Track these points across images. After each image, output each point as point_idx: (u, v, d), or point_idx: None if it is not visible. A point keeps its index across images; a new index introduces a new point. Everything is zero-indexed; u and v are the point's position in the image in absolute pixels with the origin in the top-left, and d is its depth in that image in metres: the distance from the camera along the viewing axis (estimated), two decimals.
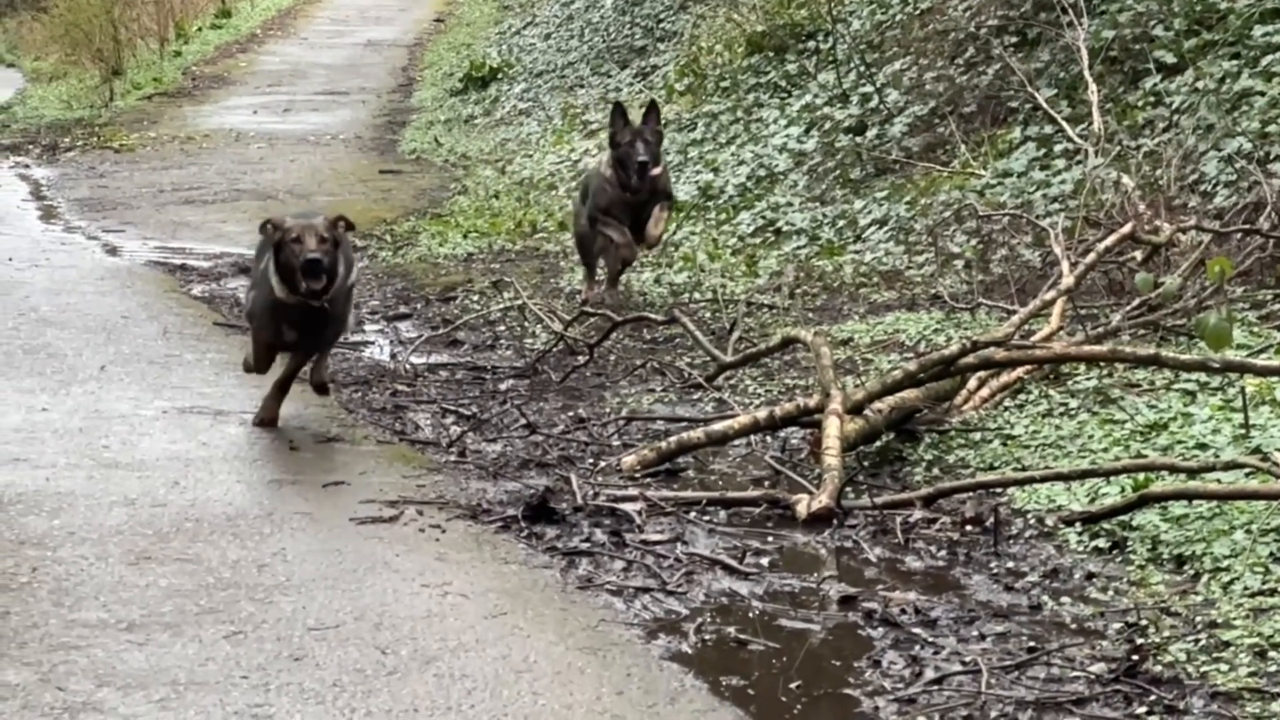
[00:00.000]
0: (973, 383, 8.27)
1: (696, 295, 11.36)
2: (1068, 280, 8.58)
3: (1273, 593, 5.81)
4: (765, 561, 6.58)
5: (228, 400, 8.79)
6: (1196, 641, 5.56)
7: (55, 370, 9.32)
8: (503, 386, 9.44)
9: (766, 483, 7.60)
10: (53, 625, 5.66)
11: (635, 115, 11.69)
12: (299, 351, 8.37)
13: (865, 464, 7.70)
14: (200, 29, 32.39)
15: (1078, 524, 6.69)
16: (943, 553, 6.65)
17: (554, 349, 10.05)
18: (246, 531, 6.69)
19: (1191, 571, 6.15)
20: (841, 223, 12.54)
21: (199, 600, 5.93)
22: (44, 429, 8.12)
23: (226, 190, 17.16)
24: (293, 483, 7.39)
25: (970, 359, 7.89)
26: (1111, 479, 6.93)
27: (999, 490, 7.15)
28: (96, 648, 5.48)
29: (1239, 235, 9.18)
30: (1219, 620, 5.71)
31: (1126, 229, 9.11)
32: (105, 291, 11.76)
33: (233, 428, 8.28)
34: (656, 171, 11.20)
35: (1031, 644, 5.67)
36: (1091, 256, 8.88)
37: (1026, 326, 8.46)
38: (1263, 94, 10.37)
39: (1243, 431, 7.02)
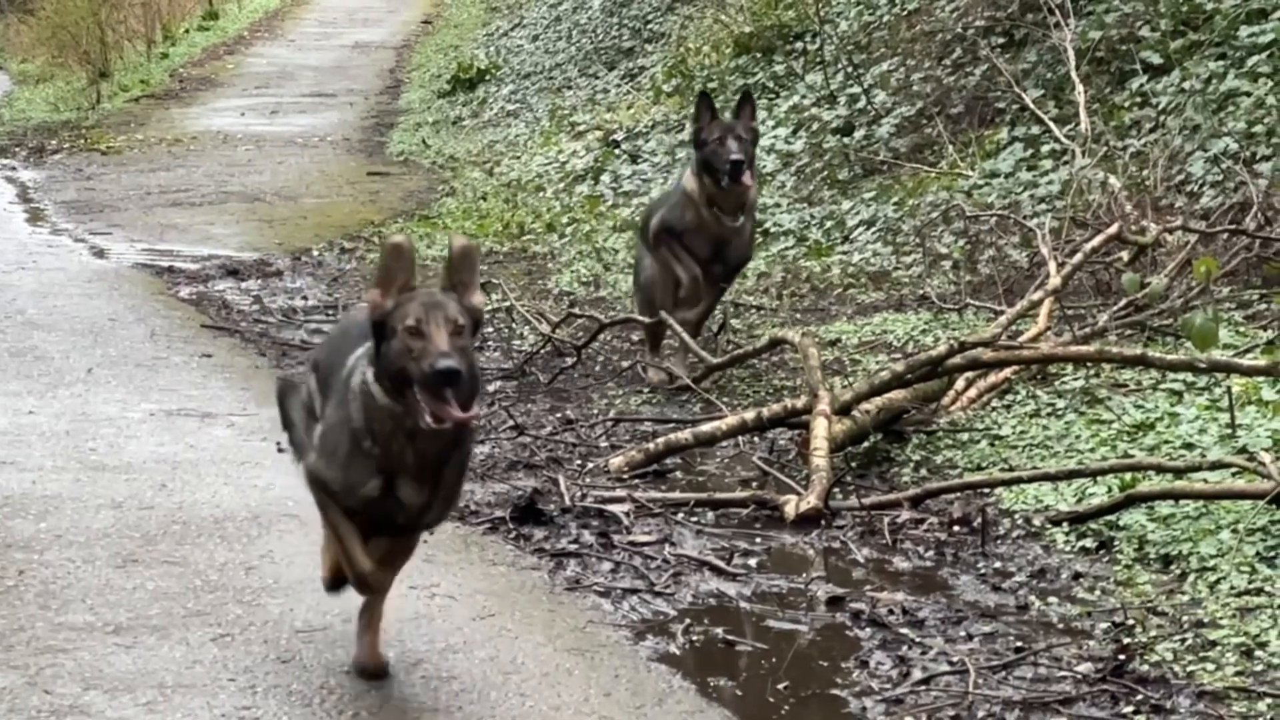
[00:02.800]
0: (960, 383, 8.28)
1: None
2: (1055, 281, 8.60)
3: (1259, 592, 5.83)
4: (753, 562, 6.59)
5: (215, 402, 8.78)
6: (1183, 641, 5.57)
7: (42, 373, 9.30)
8: (491, 388, 9.43)
9: (754, 484, 7.60)
10: (40, 628, 5.65)
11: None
12: (395, 518, 5.15)
13: (853, 465, 7.71)
14: (187, 31, 32.38)
15: (1065, 524, 6.70)
16: (930, 553, 6.65)
17: (542, 350, 10.05)
18: (234, 534, 6.68)
19: (1178, 571, 6.16)
20: (829, 223, 12.55)
21: (186, 603, 5.92)
22: (31, 432, 8.10)
23: (214, 192, 17.15)
24: (280, 485, 7.36)
25: (958, 359, 7.90)
26: (1098, 479, 6.94)
27: (986, 491, 7.16)
28: (83, 651, 5.48)
29: (1225, 235, 9.19)
30: (1205, 619, 5.72)
31: (1113, 229, 9.12)
32: (92, 294, 11.74)
33: (220, 430, 8.27)
34: (750, 183, 9.24)
35: (1019, 644, 5.68)
36: (1078, 257, 8.89)
37: (1014, 327, 8.47)
38: (1249, 94, 10.39)
39: (1229, 431, 7.04)
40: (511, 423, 8.47)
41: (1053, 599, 6.08)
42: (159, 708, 5.08)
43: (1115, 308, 8.83)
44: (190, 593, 6.02)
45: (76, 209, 16.16)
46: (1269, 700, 5.12)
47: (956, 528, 6.85)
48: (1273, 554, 6.05)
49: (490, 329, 10.89)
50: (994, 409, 8.11)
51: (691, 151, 9.53)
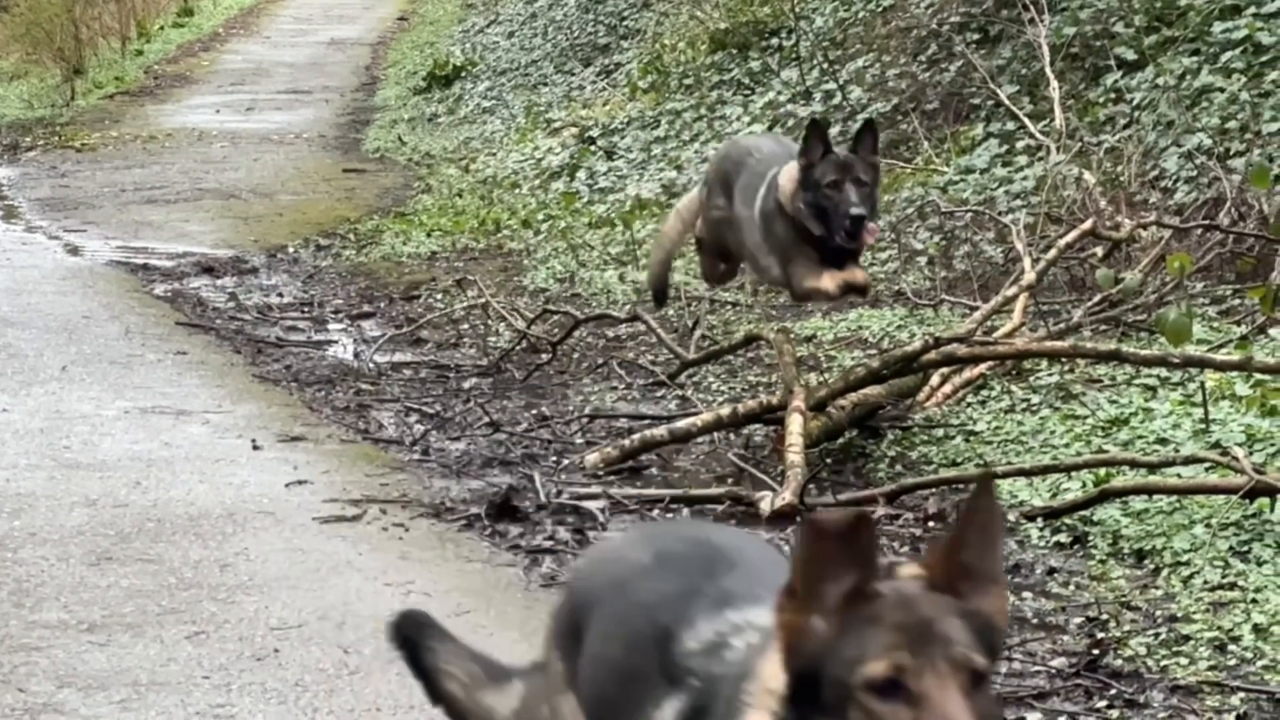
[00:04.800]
0: (935, 379, 8.28)
1: None
2: (1029, 276, 8.61)
3: (1232, 586, 5.84)
4: None
5: (190, 400, 8.76)
6: (1156, 635, 5.59)
7: (16, 371, 9.28)
8: (466, 385, 9.43)
9: (730, 480, 7.60)
10: (13, 627, 5.64)
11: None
12: None
13: (828, 461, 7.71)
14: (162, 27, 32.27)
15: (1039, 519, 6.71)
16: (905, 549, 6.65)
17: (517, 347, 10.04)
18: (209, 531, 6.67)
19: (1152, 566, 6.18)
20: None
21: (161, 601, 5.92)
22: (4, 430, 8.08)
23: (189, 189, 17.10)
24: (255, 482, 7.37)
25: (933, 355, 7.90)
26: (1073, 474, 6.95)
27: (961, 486, 7.16)
28: (57, 649, 5.47)
29: (1199, 231, 9.22)
30: (1179, 614, 5.73)
31: (1087, 225, 9.14)
32: (67, 291, 11.72)
33: (195, 427, 8.26)
34: (870, 240, 7.84)
35: None
36: (1053, 252, 8.91)
37: (989, 322, 8.48)
38: (1222, 90, 10.42)
39: (1203, 426, 7.06)
40: (487, 419, 8.46)
41: (1027, 594, 6.09)
42: (133, 705, 5.08)
43: (1090, 303, 8.85)
44: (164, 590, 6.02)
45: (51, 206, 16.11)
46: (1242, 694, 5.14)
47: (931, 524, 6.86)
48: (1246, 549, 6.07)
49: (466, 326, 10.88)
50: (969, 405, 8.13)
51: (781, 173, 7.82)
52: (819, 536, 2.59)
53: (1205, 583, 5.92)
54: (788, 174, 7.70)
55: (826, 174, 7.53)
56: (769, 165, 7.88)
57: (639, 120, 16.55)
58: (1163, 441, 7.08)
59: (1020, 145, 11.57)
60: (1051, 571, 6.28)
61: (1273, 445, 6.77)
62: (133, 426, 8.23)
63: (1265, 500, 6.21)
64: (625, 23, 21.13)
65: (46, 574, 6.15)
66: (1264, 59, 10.51)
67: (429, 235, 14.07)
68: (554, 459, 7.93)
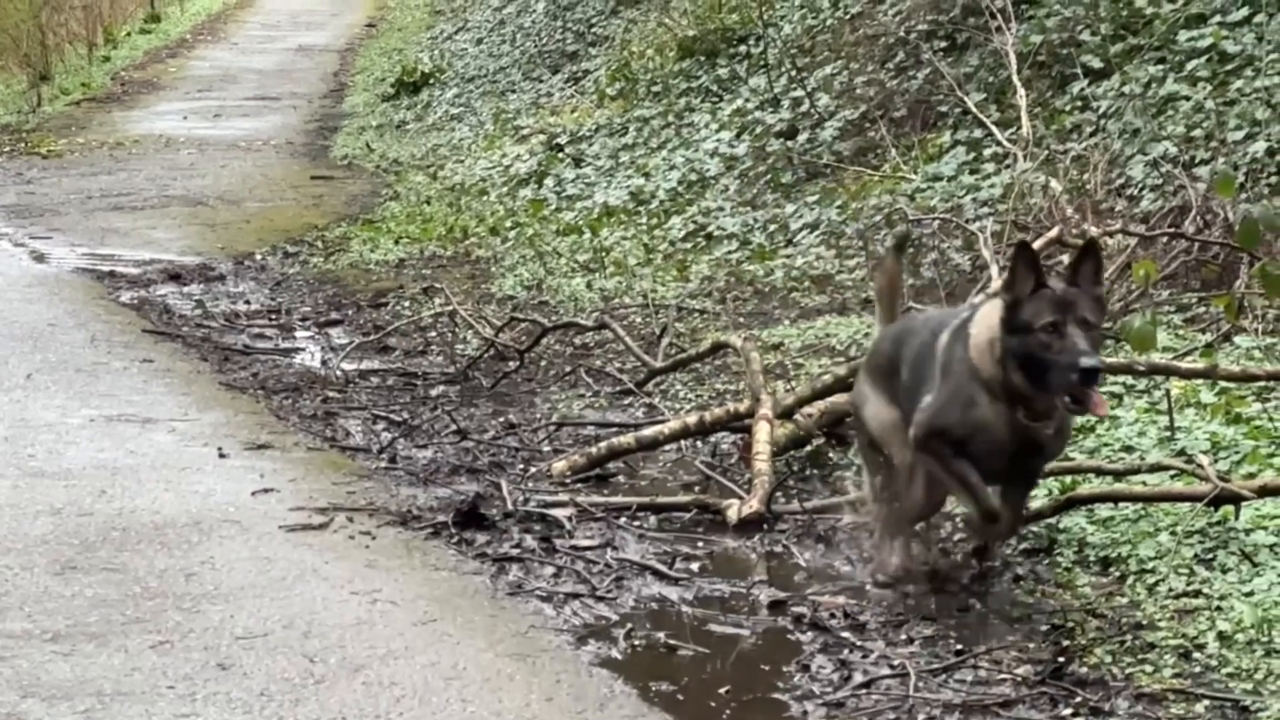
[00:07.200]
0: None
1: (627, 300, 11.36)
2: (997, 284, 8.62)
3: (1197, 594, 5.86)
4: (695, 567, 6.59)
5: (155, 408, 8.73)
6: (1121, 643, 5.60)
7: None
8: (433, 392, 9.42)
9: (697, 488, 7.60)
10: None
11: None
12: None
13: (795, 468, 7.72)
14: (129, 34, 32.20)
15: None
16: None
17: (485, 355, 10.04)
18: (174, 540, 6.65)
19: (1117, 573, 6.20)
20: (772, 227, 12.57)
21: (125, 610, 5.89)
22: None
23: (156, 196, 17.05)
24: (221, 490, 7.34)
25: None
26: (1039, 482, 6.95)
27: None
28: (21, 658, 5.44)
29: (1164, 239, 9.24)
30: (1144, 622, 5.75)
31: (1054, 232, 9.14)
32: (32, 299, 11.67)
33: (161, 435, 8.22)
34: (1103, 405, 5.88)
35: (959, 647, 5.69)
36: None
37: None
38: (1187, 98, 10.45)
39: (1168, 434, 7.08)
40: (454, 427, 8.46)
41: (993, 601, 6.10)
42: (97, 716, 5.05)
43: None
44: (129, 600, 5.99)
45: (16, 213, 16.05)
46: (1206, 702, 5.15)
47: None
48: (1211, 556, 6.09)
49: (433, 333, 10.87)
50: None
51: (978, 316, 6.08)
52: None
53: (1170, 590, 5.94)
54: (984, 319, 5.98)
55: (1041, 313, 5.75)
56: (942, 322, 6.27)
57: (607, 127, 16.56)
58: (1128, 449, 7.09)
59: (987, 153, 11.61)
60: (1017, 579, 6.29)
61: (1237, 453, 6.79)
62: (98, 435, 8.20)
63: (1230, 508, 6.23)
64: (593, 30, 21.15)
65: (10, 583, 6.12)
66: (1229, 67, 10.56)
67: (397, 242, 14.06)
68: (521, 467, 7.93)
